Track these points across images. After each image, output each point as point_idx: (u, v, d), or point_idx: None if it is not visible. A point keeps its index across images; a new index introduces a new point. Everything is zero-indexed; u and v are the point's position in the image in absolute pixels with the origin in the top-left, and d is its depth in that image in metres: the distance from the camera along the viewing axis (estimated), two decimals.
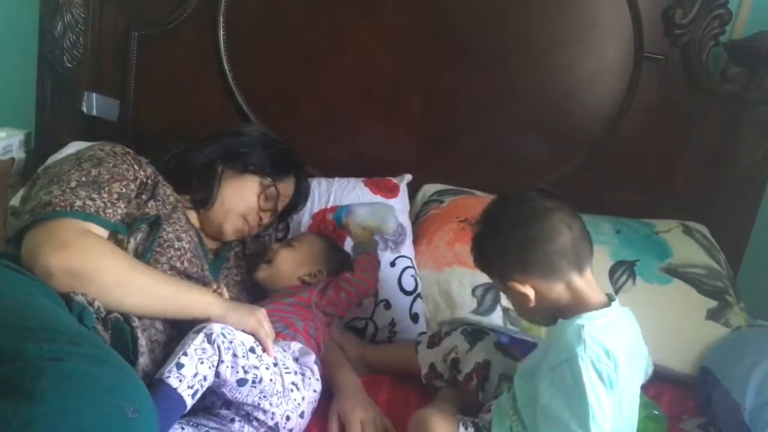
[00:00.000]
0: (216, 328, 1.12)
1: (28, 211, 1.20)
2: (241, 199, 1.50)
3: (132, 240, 1.25)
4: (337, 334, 1.54)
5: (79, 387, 0.85)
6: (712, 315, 1.65)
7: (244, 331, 1.18)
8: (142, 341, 1.14)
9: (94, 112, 1.95)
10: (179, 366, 1.07)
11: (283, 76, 1.94)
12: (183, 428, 1.12)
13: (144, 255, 1.25)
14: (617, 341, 1.07)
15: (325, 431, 1.24)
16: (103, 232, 1.21)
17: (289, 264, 1.50)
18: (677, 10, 1.84)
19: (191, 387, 1.07)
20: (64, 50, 1.86)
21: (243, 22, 1.91)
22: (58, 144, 1.78)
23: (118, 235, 1.24)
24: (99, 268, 1.13)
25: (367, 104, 1.95)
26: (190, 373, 1.07)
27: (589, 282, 1.14)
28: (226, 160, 1.52)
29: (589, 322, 1.07)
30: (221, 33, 1.90)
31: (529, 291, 1.12)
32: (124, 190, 1.28)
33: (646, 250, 1.75)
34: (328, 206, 1.79)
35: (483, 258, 1.21)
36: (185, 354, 1.08)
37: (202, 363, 1.08)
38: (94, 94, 1.94)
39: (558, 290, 1.12)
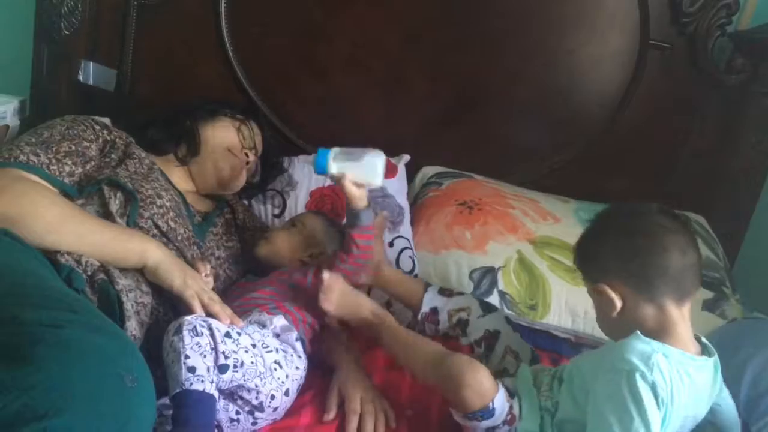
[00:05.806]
0: (191, 320, 1.09)
1: None
2: (221, 135, 1.55)
3: (113, 196, 1.25)
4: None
5: (79, 355, 0.83)
6: (708, 306, 1.65)
7: (171, 287, 1.18)
8: (128, 305, 1.13)
9: (91, 81, 1.92)
10: (192, 369, 1.05)
11: (283, 52, 1.92)
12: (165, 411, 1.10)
13: (132, 210, 1.25)
14: (683, 390, 1.02)
15: (324, 406, 1.23)
16: (50, 187, 1.21)
17: (288, 246, 1.48)
18: None
19: (213, 382, 1.06)
20: (61, 17, 1.82)
21: None
22: (54, 112, 1.74)
23: (74, 199, 1.23)
24: (30, 214, 1.11)
25: (368, 83, 1.93)
26: (203, 370, 1.05)
27: (684, 318, 1.07)
28: (195, 115, 1.57)
29: (665, 352, 1.01)
30: (222, 4, 1.87)
31: (617, 299, 1.07)
32: (74, 148, 1.28)
33: None
34: (326, 184, 1.78)
35: (582, 257, 1.17)
36: (187, 357, 1.05)
37: (205, 357, 1.07)
38: (91, 63, 1.91)
39: (647, 310, 1.06)
